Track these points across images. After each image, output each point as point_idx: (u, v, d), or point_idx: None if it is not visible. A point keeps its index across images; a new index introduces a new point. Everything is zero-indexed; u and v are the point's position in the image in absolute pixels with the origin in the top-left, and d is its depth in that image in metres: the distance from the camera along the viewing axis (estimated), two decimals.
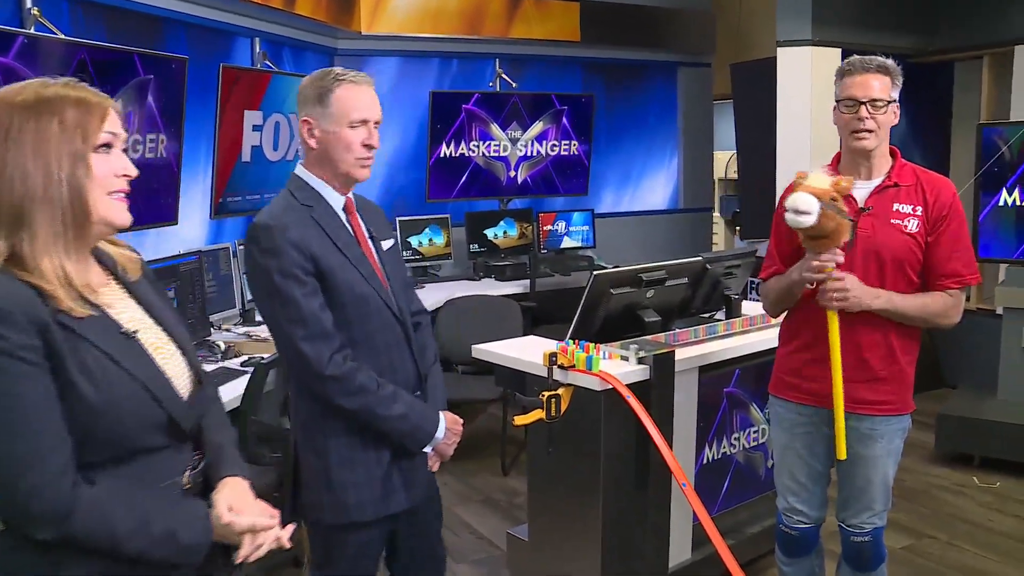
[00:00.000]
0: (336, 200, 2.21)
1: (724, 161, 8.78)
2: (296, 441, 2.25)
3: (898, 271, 2.47)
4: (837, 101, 2.51)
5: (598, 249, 6.53)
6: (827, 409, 2.56)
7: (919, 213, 2.47)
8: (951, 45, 5.98)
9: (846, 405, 2.51)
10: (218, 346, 3.80)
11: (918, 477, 4.55)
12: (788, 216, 2.31)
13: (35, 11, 3.37)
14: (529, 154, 6.50)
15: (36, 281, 1.30)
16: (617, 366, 2.96)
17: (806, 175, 2.37)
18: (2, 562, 1.35)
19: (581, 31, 6.56)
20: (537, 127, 6.47)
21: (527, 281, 5.72)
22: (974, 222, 5.34)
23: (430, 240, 6.02)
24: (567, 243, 6.52)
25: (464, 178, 6.25)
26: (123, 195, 1.41)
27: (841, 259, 2.38)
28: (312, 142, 2.17)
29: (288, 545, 1.49)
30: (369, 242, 2.26)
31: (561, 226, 6.53)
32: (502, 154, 6.38)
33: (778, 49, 5.43)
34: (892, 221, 2.46)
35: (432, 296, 5.17)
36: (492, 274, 6.04)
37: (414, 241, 5.93)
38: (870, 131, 2.45)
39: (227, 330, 4.17)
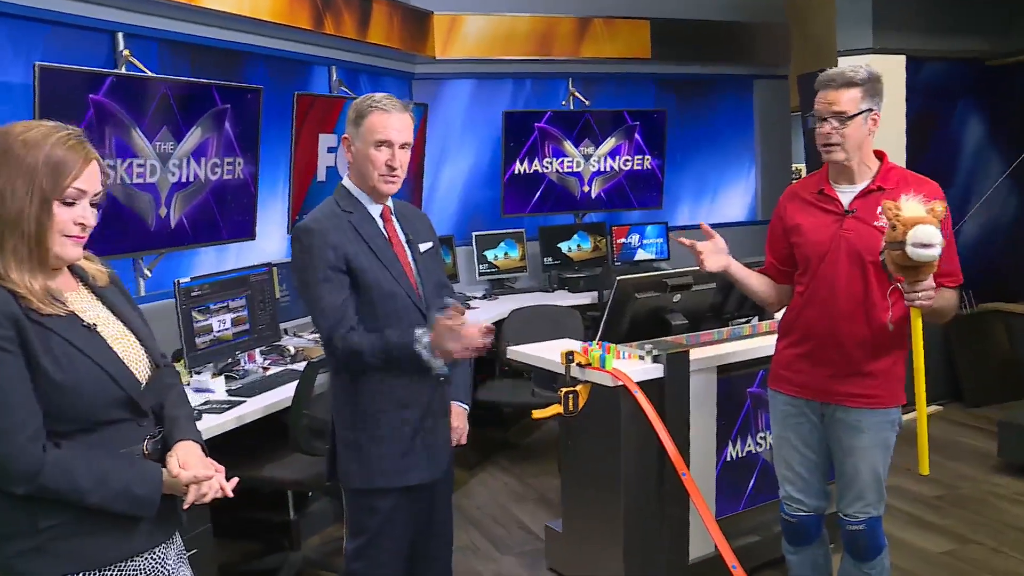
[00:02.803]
0: (374, 208, 2.52)
1: (804, 173, 8.73)
2: (333, 417, 2.57)
3: (881, 273, 2.51)
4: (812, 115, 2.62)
5: (672, 261, 6.60)
6: (816, 401, 2.69)
7: None
8: None
9: (833, 398, 2.63)
10: (288, 350, 4.15)
11: (977, 485, 4.49)
12: (912, 250, 2.21)
13: (126, 52, 3.82)
14: (602, 169, 6.68)
15: (8, 285, 1.58)
16: (632, 365, 3.14)
17: (898, 205, 2.27)
18: None
19: (652, 48, 6.72)
20: (609, 143, 6.65)
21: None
22: None
23: (505, 254, 6.27)
24: (641, 255, 6.67)
25: (538, 194, 6.49)
26: (77, 239, 1.67)
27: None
28: (348, 156, 2.52)
29: (231, 494, 1.75)
30: (405, 246, 2.55)
31: (635, 239, 6.68)
32: (575, 170, 6.59)
33: (839, 59, 5.44)
34: (876, 224, 2.51)
35: (506, 307, 5.43)
36: (566, 286, 6.25)
37: (489, 255, 6.19)
38: (835, 144, 2.56)
39: (299, 336, 4.52)
